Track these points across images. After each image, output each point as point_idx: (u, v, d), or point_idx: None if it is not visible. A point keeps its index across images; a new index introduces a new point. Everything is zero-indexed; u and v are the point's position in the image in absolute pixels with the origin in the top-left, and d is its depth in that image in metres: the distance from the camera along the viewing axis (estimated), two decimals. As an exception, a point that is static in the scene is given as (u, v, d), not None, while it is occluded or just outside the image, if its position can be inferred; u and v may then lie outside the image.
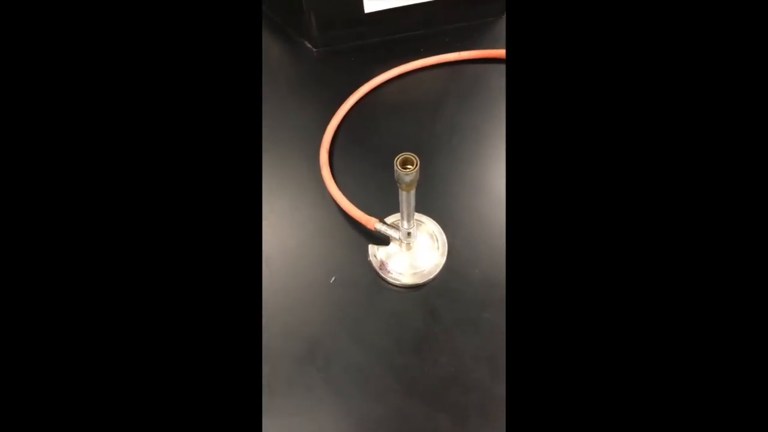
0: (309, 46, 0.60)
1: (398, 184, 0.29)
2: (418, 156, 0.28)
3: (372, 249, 0.41)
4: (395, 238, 0.39)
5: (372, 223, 0.40)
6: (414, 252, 0.40)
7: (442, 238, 0.41)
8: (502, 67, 0.56)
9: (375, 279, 0.40)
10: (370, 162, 0.48)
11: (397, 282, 0.39)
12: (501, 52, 0.56)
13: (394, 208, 0.42)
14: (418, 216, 0.42)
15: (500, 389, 0.34)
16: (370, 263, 0.40)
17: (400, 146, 0.49)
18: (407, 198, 0.31)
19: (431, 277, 0.39)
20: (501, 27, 0.61)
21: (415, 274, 0.39)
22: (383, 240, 0.41)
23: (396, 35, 0.60)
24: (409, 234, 0.37)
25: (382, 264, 0.40)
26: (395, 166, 0.27)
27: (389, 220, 0.42)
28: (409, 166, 0.27)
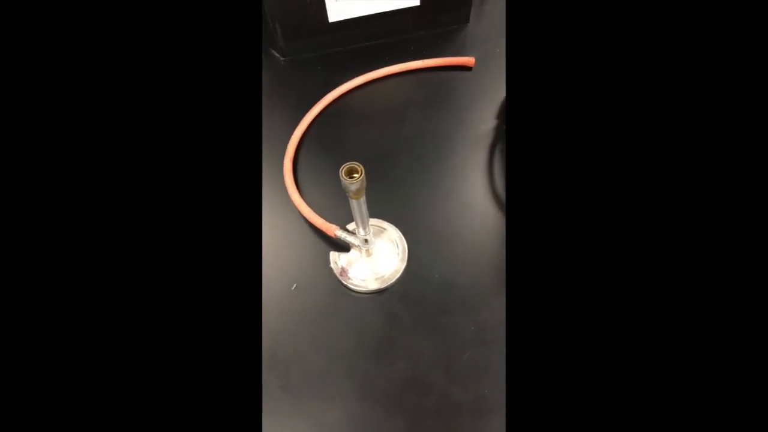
0: (276, 54, 0.60)
1: (346, 194, 0.30)
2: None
3: (333, 256, 0.41)
4: (355, 245, 0.40)
5: (332, 230, 0.41)
6: (374, 258, 0.41)
7: (402, 243, 0.42)
8: (467, 75, 0.58)
9: (336, 285, 0.40)
10: (335, 169, 0.48)
11: (357, 288, 0.39)
12: (465, 60, 0.57)
13: (356, 215, 0.43)
14: (379, 222, 0.43)
15: (455, 391, 0.34)
16: (331, 270, 0.41)
17: (364, 153, 0.50)
18: (358, 206, 0.32)
19: (391, 282, 0.40)
20: (465, 35, 0.63)
21: (375, 279, 0.40)
22: (346, 247, 0.42)
23: (362, 44, 0.61)
24: (366, 241, 0.38)
25: (343, 270, 0.40)
26: (341, 176, 0.28)
27: (351, 226, 0.42)
28: (354, 175, 0.28)
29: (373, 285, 0.40)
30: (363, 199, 0.31)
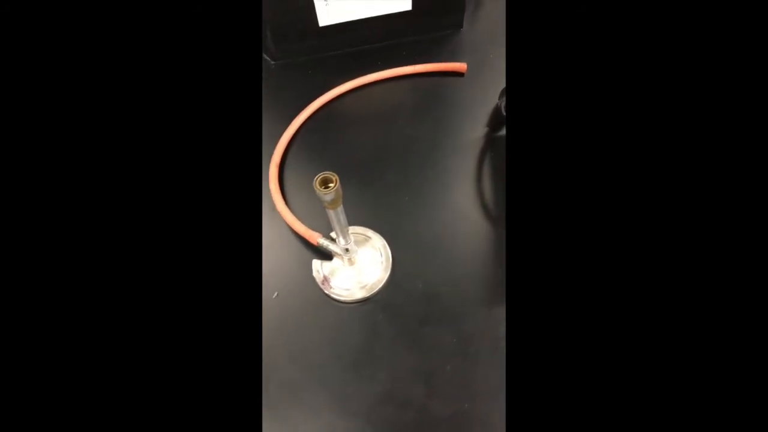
0: (267, 58, 0.60)
1: (322, 204, 0.29)
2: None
3: (316, 264, 0.41)
4: (337, 253, 0.39)
5: (315, 238, 0.40)
6: (357, 267, 0.40)
7: (386, 252, 0.41)
8: (458, 80, 0.57)
9: (319, 294, 0.40)
10: (322, 175, 0.48)
11: (339, 297, 0.39)
12: (456, 65, 0.56)
13: (340, 223, 0.42)
14: (363, 231, 0.43)
15: (434, 405, 0.34)
16: (314, 279, 0.40)
17: (353, 159, 0.50)
18: (335, 215, 0.31)
19: (374, 292, 0.39)
20: (458, 40, 0.62)
21: (358, 289, 0.39)
22: (329, 255, 0.41)
23: (353, 48, 0.60)
24: (347, 250, 0.37)
25: (325, 279, 0.40)
26: (315, 187, 0.27)
27: (335, 234, 0.42)
28: (330, 185, 0.28)
29: (355, 294, 0.39)
30: (340, 208, 0.31)
